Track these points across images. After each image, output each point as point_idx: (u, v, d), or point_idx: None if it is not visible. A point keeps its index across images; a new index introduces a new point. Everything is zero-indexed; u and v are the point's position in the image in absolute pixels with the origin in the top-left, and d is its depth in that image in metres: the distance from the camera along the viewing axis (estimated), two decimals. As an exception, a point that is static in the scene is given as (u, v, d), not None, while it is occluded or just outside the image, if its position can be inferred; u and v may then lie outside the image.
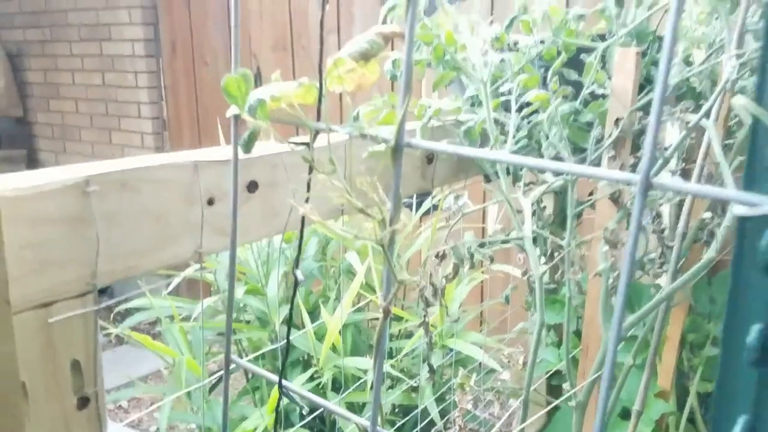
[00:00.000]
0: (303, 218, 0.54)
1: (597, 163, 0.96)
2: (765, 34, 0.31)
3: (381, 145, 0.43)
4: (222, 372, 0.57)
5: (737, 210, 0.30)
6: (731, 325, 0.35)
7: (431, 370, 1.08)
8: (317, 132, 0.50)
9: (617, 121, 0.94)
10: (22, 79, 4.24)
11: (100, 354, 0.52)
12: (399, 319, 1.77)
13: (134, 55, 3.64)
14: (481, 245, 0.94)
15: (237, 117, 0.49)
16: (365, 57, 0.47)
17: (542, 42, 0.96)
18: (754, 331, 0.33)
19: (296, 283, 0.52)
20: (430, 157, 0.90)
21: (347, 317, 1.63)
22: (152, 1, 3.58)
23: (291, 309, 0.58)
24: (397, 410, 1.70)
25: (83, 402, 0.52)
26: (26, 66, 4.20)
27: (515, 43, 0.97)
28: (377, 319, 1.02)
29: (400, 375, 1.62)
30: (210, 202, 0.58)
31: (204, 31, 3.45)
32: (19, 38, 4.16)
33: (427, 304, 0.93)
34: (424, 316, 0.95)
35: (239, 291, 1.69)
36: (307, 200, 0.54)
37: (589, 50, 0.96)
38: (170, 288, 1.88)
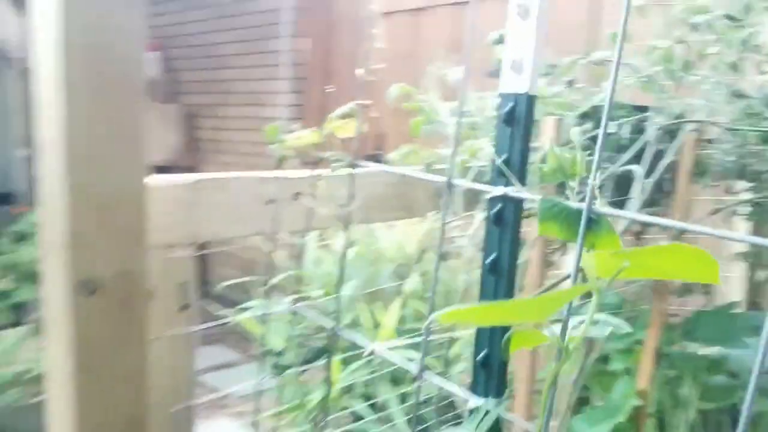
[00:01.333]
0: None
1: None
2: None
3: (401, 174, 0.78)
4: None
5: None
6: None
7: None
8: (342, 164, 0.87)
9: None
10: (196, 135, 5.05)
11: (193, 281, 0.90)
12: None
13: (284, 117, 4.28)
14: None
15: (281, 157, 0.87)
16: (346, 117, 0.83)
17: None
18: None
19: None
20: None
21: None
22: (301, 74, 4.21)
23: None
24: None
25: (183, 308, 0.91)
26: (199, 125, 5.01)
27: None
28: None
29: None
30: (269, 202, 0.96)
31: (338, 101, 4.00)
32: (195, 102, 5.00)
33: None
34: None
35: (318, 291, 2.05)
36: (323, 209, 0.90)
37: None
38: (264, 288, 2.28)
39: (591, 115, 1.19)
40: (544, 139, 0.97)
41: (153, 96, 4.73)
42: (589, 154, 1.28)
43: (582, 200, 0.59)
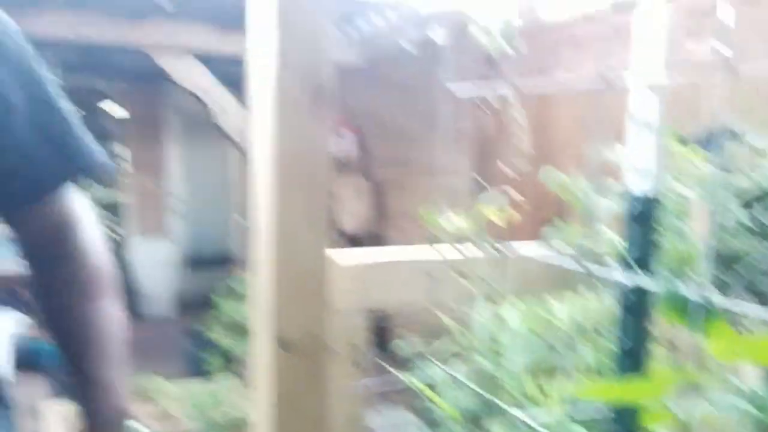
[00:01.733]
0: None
1: None
2: None
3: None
4: None
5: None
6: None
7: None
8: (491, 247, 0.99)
9: None
10: (384, 206, 5.44)
11: (368, 342, 1.06)
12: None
13: (462, 189, 4.47)
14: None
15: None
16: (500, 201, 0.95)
17: None
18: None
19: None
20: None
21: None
22: (480, 148, 4.39)
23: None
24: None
25: (359, 366, 1.06)
26: (387, 196, 5.39)
27: None
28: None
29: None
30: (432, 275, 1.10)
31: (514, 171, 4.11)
32: (384, 175, 5.40)
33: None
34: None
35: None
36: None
37: None
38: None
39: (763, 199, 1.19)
40: (695, 225, 1.01)
41: (349, 172, 5.21)
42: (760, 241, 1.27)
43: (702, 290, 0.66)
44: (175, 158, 6.68)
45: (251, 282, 1.01)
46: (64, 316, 0.87)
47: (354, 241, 4.89)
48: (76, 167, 0.87)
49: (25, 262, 0.90)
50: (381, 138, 5.49)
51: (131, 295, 5.87)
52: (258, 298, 0.99)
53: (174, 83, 4.17)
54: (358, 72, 4.53)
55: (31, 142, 0.82)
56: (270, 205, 0.94)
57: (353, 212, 5.16)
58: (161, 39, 3.83)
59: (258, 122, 0.98)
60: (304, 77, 0.95)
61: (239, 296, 4.11)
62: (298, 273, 0.94)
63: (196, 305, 4.52)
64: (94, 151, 0.89)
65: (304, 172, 0.93)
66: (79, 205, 0.89)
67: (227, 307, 4.16)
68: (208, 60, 4.09)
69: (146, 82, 5.69)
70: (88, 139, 0.88)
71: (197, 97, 4.17)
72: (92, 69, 5.33)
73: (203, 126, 5.40)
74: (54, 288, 0.88)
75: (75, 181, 0.88)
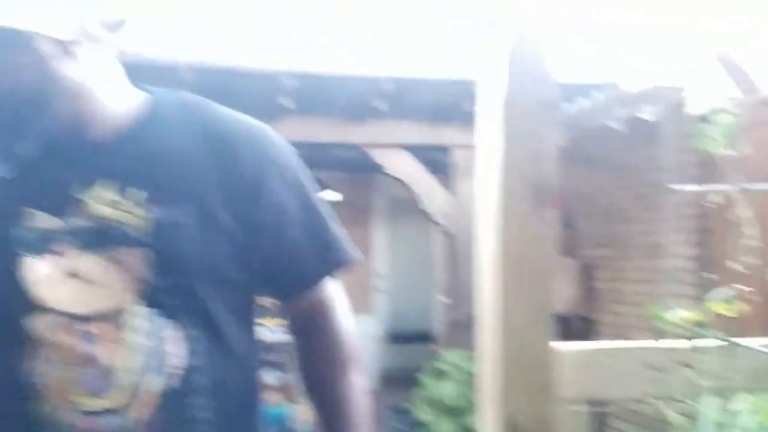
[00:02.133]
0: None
1: None
2: None
3: None
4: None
5: None
6: None
7: None
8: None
9: None
10: (592, 286, 5.26)
11: None
12: None
13: (682, 269, 4.20)
14: None
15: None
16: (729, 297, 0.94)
17: None
18: None
19: None
20: None
21: None
22: (703, 225, 4.13)
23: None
24: None
25: None
26: (596, 276, 5.22)
27: None
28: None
29: None
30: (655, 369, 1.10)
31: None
32: (592, 254, 5.25)
33: None
34: None
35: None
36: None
37: None
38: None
39: None
40: None
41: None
42: None
43: None
44: (381, 240, 7.09)
45: (478, 366, 1.10)
46: (323, 387, 1.02)
47: (560, 321, 4.78)
48: (334, 264, 1.04)
49: (292, 338, 1.07)
50: (588, 216, 5.40)
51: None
52: (484, 382, 1.06)
53: (384, 172, 4.53)
54: (562, 150, 4.56)
55: (300, 241, 0.99)
56: (495, 298, 1.03)
57: (559, 292, 5.07)
58: (377, 136, 4.27)
59: (483, 218, 1.09)
60: (527, 176, 1.04)
61: (442, 374, 4.19)
62: (524, 361, 1.01)
63: (398, 380, 4.68)
64: (347, 248, 1.05)
65: (527, 267, 1.01)
66: (335, 291, 1.05)
67: (431, 384, 4.25)
68: (415, 149, 4.42)
69: (359, 171, 6.19)
70: (341, 236, 1.05)
71: (404, 183, 4.48)
72: (315, 162, 5.94)
73: (408, 210, 5.72)
74: (315, 363, 1.03)
75: (332, 275, 1.04)
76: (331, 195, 7.11)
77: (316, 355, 1.03)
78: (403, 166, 4.39)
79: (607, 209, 5.05)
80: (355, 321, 1.06)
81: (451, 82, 3.72)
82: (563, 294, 5.12)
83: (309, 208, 1.02)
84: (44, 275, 0.85)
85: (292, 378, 4.21)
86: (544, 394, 1.01)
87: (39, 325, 0.85)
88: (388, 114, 4.03)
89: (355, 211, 7.10)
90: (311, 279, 1.02)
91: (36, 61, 0.83)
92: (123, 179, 0.88)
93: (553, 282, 1.00)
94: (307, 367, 1.05)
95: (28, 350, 0.85)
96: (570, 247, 5.37)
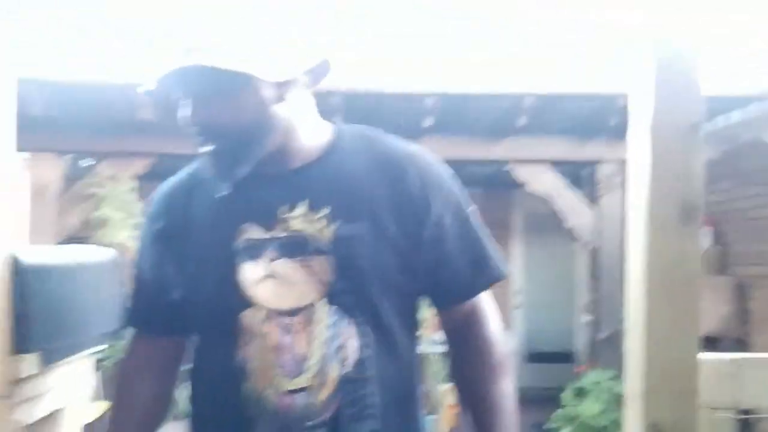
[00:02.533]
0: None
1: None
2: None
3: None
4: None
5: None
6: None
7: None
8: None
9: None
10: (746, 306, 4.95)
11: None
12: None
13: None
14: None
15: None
16: None
17: None
18: None
19: None
20: None
21: None
22: None
23: None
24: None
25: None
26: (751, 295, 4.91)
27: None
28: None
29: None
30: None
31: None
32: (747, 273, 4.95)
33: None
34: None
35: None
36: None
37: None
38: None
39: None
40: None
41: (704, 268, 4.91)
42: None
43: None
44: (519, 257, 7.06)
45: (624, 382, 1.17)
46: (477, 390, 1.12)
47: (711, 342, 4.55)
48: (489, 278, 1.15)
49: (447, 347, 1.19)
50: (742, 233, 5.11)
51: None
52: (632, 391, 1.13)
53: (524, 188, 4.54)
54: (712, 163, 4.39)
55: (459, 256, 1.12)
56: (642, 314, 1.10)
57: (710, 312, 4.83)
58: (519, 152, 4.28)
59: (632, 237, 1.15)
60: (674, 194, 1.09)
61: (583, 392, 4.12)
62: (669, 367, 1.07)
63: (536, 398, 4.66)
64: (501, 263, 1.16)
65: (674, 287, 1.07)
66: (487, 302, 1.16)
67: (572, 403, 4.20)
68: (557, 164, 4.39)
69: (498, 187, 6.24)
70: (495, 252, 1.16)
71: (546, 199, 4.45)
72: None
73: (547, 226, 5.67)
74: (469, 368, 1.13)
75: (486, 288, 1.16)
76: (470, 211, 7.21)
77: (471, 361, 1.13)
78: (545, 182, 4.38)
79: (762, 225, 4.76)
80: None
81: (595, 97, 3.71)
82: (715, 314, 4.86)
83: (467, 226, 1.14)
84: (255, 278, 1.04)
85: (431, 389, 4.30)
86: (685, 399, 1.06)
87: (250, 319, 1.04)
88: (530, 130, 4.06)
89: (494, 228, 7.09)
90: (469, 291, 1.14)
91: (258, 103, 1.02)
92: (313, 199, 1.05)
93: (701, 300, 1.06)
94: (462, 372, 1.15)
95: (242, 340, 1.04)
96: (722, 265, 5.09)
